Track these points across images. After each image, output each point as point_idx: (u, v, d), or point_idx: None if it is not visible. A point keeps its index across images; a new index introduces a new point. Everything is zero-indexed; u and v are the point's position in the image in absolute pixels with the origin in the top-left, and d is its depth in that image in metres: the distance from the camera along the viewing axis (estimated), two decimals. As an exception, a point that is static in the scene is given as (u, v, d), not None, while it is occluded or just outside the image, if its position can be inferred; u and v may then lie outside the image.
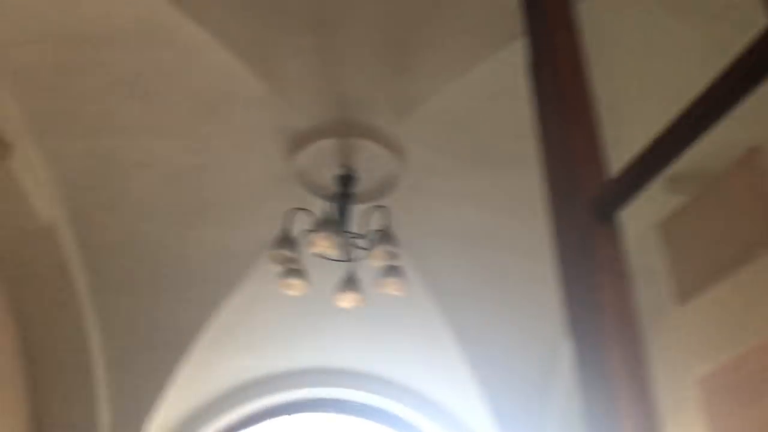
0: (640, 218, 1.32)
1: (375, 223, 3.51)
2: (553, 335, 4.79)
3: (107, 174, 3.59)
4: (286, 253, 3.18)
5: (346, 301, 3.49)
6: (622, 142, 1.69)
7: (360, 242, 3.46)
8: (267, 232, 3.77)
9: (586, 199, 1.17)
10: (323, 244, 3.10)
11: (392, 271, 3.34)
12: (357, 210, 3.65)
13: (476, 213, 4.03)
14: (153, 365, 4.72)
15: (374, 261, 3.25)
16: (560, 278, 1.26)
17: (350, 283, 3.48)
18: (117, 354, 4.58)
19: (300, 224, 3.61)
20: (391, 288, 3.39)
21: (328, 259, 3.44)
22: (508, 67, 2.99)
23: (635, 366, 1.02)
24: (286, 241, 3.22)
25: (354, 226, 3.53)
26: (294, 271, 3.34)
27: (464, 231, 4.18)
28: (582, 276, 1.16)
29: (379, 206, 3.45)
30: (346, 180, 3.55)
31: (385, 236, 3.20)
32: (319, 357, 5.62)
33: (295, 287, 3.40)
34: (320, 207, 3.50)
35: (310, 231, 3.16)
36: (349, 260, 3.49)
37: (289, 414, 5.94)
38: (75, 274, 3.98)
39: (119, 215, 3.86)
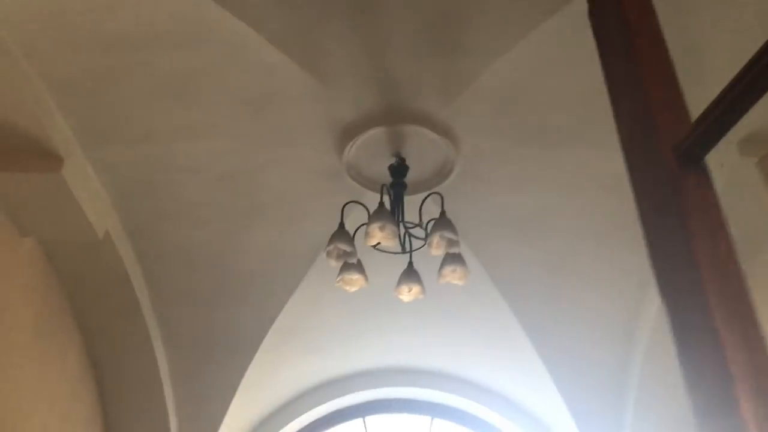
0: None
1: (430, 211, 3.41)
2: (625, 319, 4.60)
3: (158, 181, 3.57)
4: (344, 247, 3.10)
5: (407, 294, 3.39)
6: (697, 85, 1.56)
7: (416, 232, 3.37)
8: (323, 230, 3.71)
9: (669, 146, 1.06)
10: (380, 236, 3.01)
11: (452, 259, 3.23)
12: (411, 200, 3.56)
13: (533, 196, 3.89)
14: (219, 373, 4.71)
15: (433, 250, 3.14)
16: (646, 235, 1.15)
17: (409, 275, 3.38)
18: (182, 364, 4.58)
19: (355, 218, 3.54)
20: (453, 277, 3.28)
21: (386, 252, 3.35)
22: (556, 38, 2.87)
23: (741, 318, 0.89)
24: (342, 235, 3.14)
25: (409, 216, 3.44)
26: (352, 266, 3.26)
27: (522, 216, 4.04)
28: (671, 228, 1.04)
29: (434, 193, 3.34)
30: (399, 169, 3.46)
31: (441, 223, 3.09)
32: (384, 356, 5.54)
33: (354, 283, 3.32)
34: (374, 200, 3.41)
35: (366, 224, 3.07)
36: (406, 252, 3.39)
37: (361, 416, 5.87)
38: (136, 285, 3.98)
39: (173, 223, 3.85)
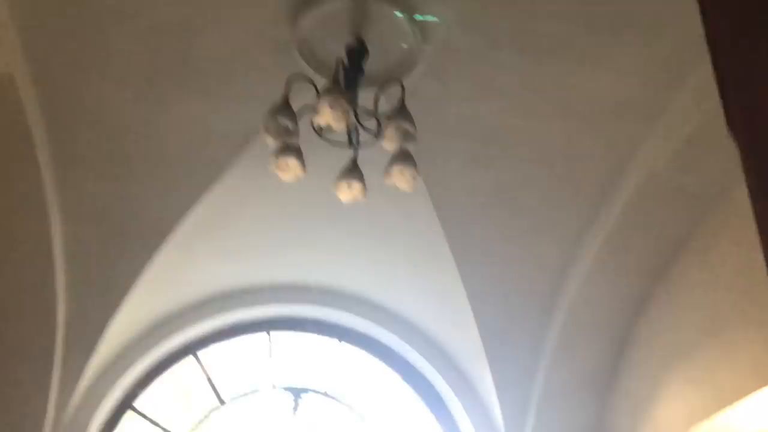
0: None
1: (386, 104, 3.04)
2: (558, 267, 4.36)
3: (79, 20, 3.05)
4: (285, 122, 2.70)
5: (346, 191, 3.03)
6: None
7: (367, 125, 2.99)
8: (259, 111, 3.28)
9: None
10: (329, 114, 2.63)
11: (403, 158, 2.87)
12: (364, 95, 3.16)
13: (496, 112, 3.56)
14: (120, 260, 4.25)
15: (385, 143, 2.78)
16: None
17: (352, 171, 3.02)
18: (80, 243, 4.11)
19: (301, 102, 3.12)
20: (400, 180, 2.93)
21: (330, 142, 2.97)
22: None
23: None
24: (285, 109, 2.74)
25: (362, 106, 3.05)
26: (290, 149, 2.86)
27: (479, 134, 3.72)
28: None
29: (394, 79, 2.96)
30: (357, 53, 3.06)
31: (400, 113, 2.73)
32: (301, 271, 5.17)
33: (289, 170, 2.93)
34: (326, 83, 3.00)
35: (316, 98, 2.68)
36: (353, 145, 3.02)
37: (267, 331, 5.53)
38: (38, 142, 3.48)
39: (89, 76, 3.33)
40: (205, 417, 5.40)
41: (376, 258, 4.87)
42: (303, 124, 2.91)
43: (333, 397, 5.45)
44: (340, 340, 5.58)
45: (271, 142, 2.80)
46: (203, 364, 5.38)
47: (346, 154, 3.12)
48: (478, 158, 3.84)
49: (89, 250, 4.16)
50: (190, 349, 5.27)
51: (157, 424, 5.20)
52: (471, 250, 4.32)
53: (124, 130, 3.63)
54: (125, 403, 5.04)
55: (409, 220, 4.36)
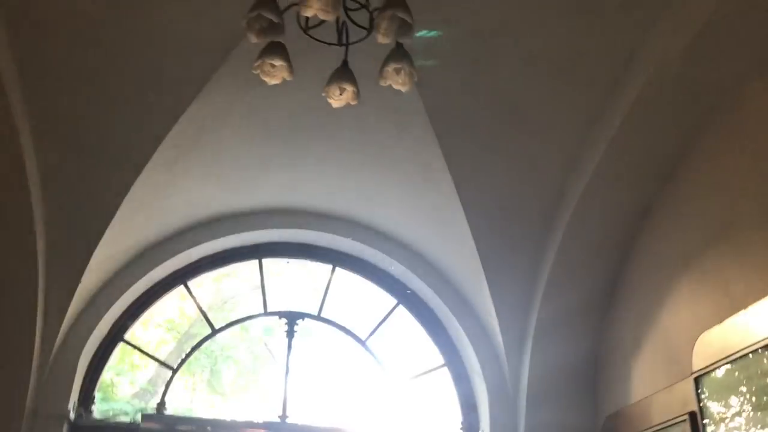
0: None
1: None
2: (559, 173, 4.16)
3: None
4: (269, 15, 2.46)
5: (337, 97, 2.79)
6: None
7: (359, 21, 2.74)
8: (240, 15, 3.02)
9: None
10: (317, 5, 2.38)
11: (399, 55, 2.64)
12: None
13: (501, 5, 3.32)
14: (101, 187, 4.04)
15: (380, 36, 2.54)
16: None
17: (343, 73, 2.78)
18: (56, 168, 3.89)
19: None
20: (395, 80, 2.69)
21: (318, 41, 2.72)
22: None
23: None
24: (268, 3, 2.49)
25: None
26: (276, 48, 2.62)
27: (482, 31, 3.47)
28: None
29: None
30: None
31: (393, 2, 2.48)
32: (289, 193, 4.96)
33: (275, 73, 2.69)
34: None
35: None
36: (343, 44, 2.78)
37: (257, 258, 5.35)
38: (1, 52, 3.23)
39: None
40: (198, 345, 5.29)
41: (367, 176, 4.67)
42: (290, 27, 2.67)
43: (329, 322, 5.32)
44: (334, 266, 5.42)
45: (254, 40, 2.56)
46: (194, 293, 5.23)
47: (334, 61, 2.87)
48: (478, 58, 3.61)
49: (67, 178, 3.95)
50: (180, 278, 5.10)
51: (149, 356, 5.08)
52: (468, 162, 4.14)
53: (100, 41, 3.37)
54: (116, 336, 4.89)
55: (402, 133, 4.15)
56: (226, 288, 5.44)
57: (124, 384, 5.20)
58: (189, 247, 4.90)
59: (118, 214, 4.14)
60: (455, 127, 3.98)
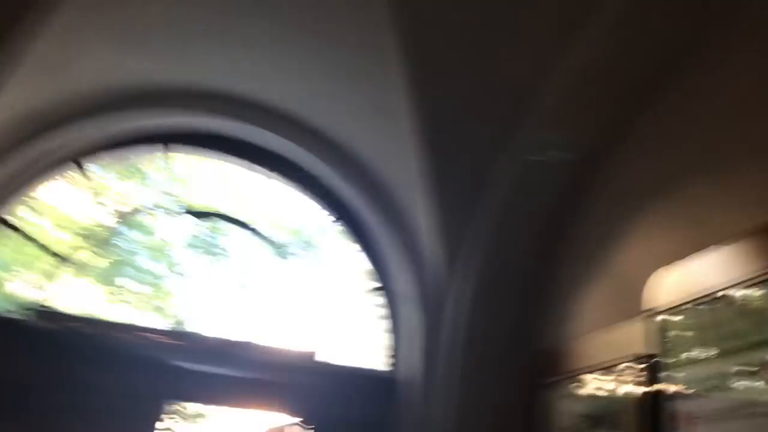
0: None
1: None
2: (529, 87, 3.72)
3: None
4: None
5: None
6: None
7: None
8: None
9: None
10: None
11: None
12: None
13: None
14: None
15: None
16: None
17: None
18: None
19: None
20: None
21: None
22: None
23: None
24: None
25: None
26: None
27: None
28: None
29: None
30: None
31: None
32: (210, 74, 4.32)
33: None
34: None
35: None
36: None
37: (165, 143, 4.71)
38: None
39: None
40: (91, 235, 4.64)
41: (304, 65, 4.09)
42: None
43: (242, 224, 4.83)
44: (252, 162, 4.88)
45: None
46: (89, 175, 4.57)
47: None
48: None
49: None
50: (74, 156, 4.44)
51: (33, 240, 4.43)
52: (428, 56, 3.64)
53: None
54: (-3, 217, 4.23)
55: (356, 20, 3.60)
56: (126, 175, 4.83)
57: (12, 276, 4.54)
58: (89, 122, 4.20)
59: (15, 73, 3.44)
60: (415, 14, 3.47)
